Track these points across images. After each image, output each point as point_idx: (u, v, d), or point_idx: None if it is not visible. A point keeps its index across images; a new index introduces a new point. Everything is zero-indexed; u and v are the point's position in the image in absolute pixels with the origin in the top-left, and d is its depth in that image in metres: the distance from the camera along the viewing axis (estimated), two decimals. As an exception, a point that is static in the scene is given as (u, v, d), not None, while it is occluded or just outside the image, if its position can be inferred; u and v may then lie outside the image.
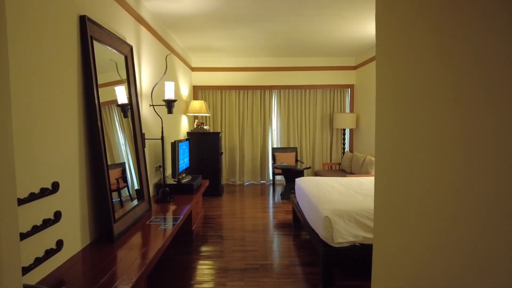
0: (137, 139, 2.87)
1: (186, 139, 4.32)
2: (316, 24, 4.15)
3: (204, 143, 5.47)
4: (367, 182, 3.80)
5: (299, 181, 3.98)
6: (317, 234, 2.74)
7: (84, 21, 2.11)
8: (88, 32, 2.15)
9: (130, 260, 1.86)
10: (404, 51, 0.94)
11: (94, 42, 2.24)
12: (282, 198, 5.47)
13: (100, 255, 1.92)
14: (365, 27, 4.32)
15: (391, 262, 1.08)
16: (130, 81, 2.86)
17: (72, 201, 1.91)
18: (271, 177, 6.66)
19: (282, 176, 6.09)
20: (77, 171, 1.97)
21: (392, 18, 1.01)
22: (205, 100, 6.46)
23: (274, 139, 6.75)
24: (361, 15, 3.83)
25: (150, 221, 2.59)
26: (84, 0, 2.15)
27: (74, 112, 1.97)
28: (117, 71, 2.65)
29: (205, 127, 5.67)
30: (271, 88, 6.49)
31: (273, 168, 6.12)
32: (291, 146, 6.59)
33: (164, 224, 2.53)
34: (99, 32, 2.32)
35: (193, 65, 6.34)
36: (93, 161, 2.15)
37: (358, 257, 2.52)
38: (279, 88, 6.49)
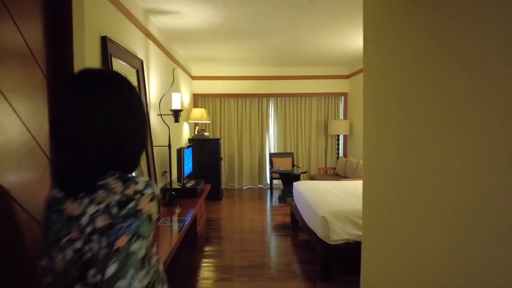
0: (147, 146, 3.10)
1: (190, 146, 4.54)
2: (312, 37, 4.43)
3: (205, 149, 5.69)
4: (360, 186, 4.06)
5: (297, 185, 4.22)
6: (315, 233, 2.97)
7: (105, 41, 2.35)
8: (108, 50, 2.38)
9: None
10: (384, 68, 1.18)
11: (112, 58, 2.47)
12: (279, 202, 5.70)
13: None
14: (357, 40, 4.61)
15: (377, 256, 1.29)
16: (141, 93, 3.09)
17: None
18: (268, 182, 6.89)
19: (280, 180, 6.32)
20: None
21: (375, 44, 1.26)
22: (205, 108, 6.69)
23: (271, 145, 7.00)
24: (353, 29, 4.11)
25: (160, 223, 2.80)
26: (105, 22, 2.39)
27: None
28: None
29: (205, 133, 5.89)
30: (268, 96, 6.76)
31: (271, 172, 6.36)
32: (288, 151, 6.84)
33: (172, 225, 2.75)
34: (116, 50, 2.55)
35: (193, 74, 6.58)
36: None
37: (353, 253, 2.76)
38: (276, 96, 6.76)
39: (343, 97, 6.88)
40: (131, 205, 0.73)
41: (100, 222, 0.72)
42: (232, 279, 2.84)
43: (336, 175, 6.29)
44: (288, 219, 4.64)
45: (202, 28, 3.94)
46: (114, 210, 0.72)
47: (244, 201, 5.80)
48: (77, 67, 1.05)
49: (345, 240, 2.74)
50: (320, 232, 2.81)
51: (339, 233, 2.72)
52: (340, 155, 6.79)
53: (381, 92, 1.19)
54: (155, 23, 3.73)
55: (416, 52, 0.93)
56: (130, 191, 0.74)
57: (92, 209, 0.73)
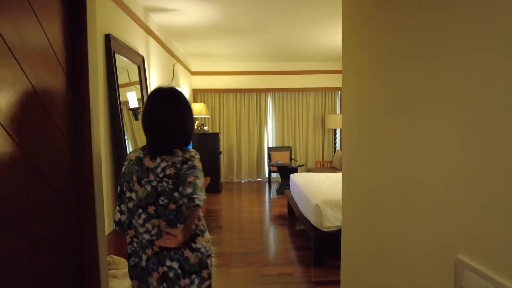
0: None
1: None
2: (308, 33, 4.55)
3: (204, 143, 5.83)
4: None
5: (293, 176, 4.37)
6: (309, 221, 3.13)
7: (108, 39, 2.47)
8: (112, 47, 2.51)
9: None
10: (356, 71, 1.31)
11: (115, 55, 2.60)
12: (277, 194, 5.86)
13: (119, 244, 2.25)
14: (352, 36, 4.72)
15: (355, 240, 1.42)
16: (143, 88, 3.22)
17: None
18: (267, 175, 7.04)
19: (278, 173, 6.48)
20: (103, 170, 2.32)
21: (351, 40, 1.39)
22: (204, 103, 6.82)
23: (269, 139, 7.15)
24: (348, 26, 4.23)
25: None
26: (108, 20, 2.51)
27: (101, 113, 2.32)
28: (128, 75, 2.99)
29: (205, 128, 6.03)
30: (266, 91, 6.88)
31: (269, 166, 6.51)
32: (286, 145, 6.98)
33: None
34: (119, 47, 2.68)
35: (193, 69, 6.70)
36: (116, 157, 2.51)
37: (344, 240, 2.91)
38: (274, 91, 6.89)
39: (340, 91, 7.01)
40: (190, 163, 1.34)
41: (168, 171, 1.32)
42: (231, 264, 3.00)
43: (333, 168, 6.44)
44: (285, 210, 4.80)
45: (201, 25, 4.05)
46: (178, 165, 1.33)
47: (243, 194, 5.96)
48: (91, 64, 1.19)
49: (337, 227, 2.89)
50: (313, 220, 2.96)
51: (331, 220, 2.87)
52: (337, 149, 6.94)
53: (356, 87, 1.33)
54: (155, 21, 3.85)
55: (381, 50, 1.06)
56: (188, 155, 1.36)
57: (163, 164, 1.33)
